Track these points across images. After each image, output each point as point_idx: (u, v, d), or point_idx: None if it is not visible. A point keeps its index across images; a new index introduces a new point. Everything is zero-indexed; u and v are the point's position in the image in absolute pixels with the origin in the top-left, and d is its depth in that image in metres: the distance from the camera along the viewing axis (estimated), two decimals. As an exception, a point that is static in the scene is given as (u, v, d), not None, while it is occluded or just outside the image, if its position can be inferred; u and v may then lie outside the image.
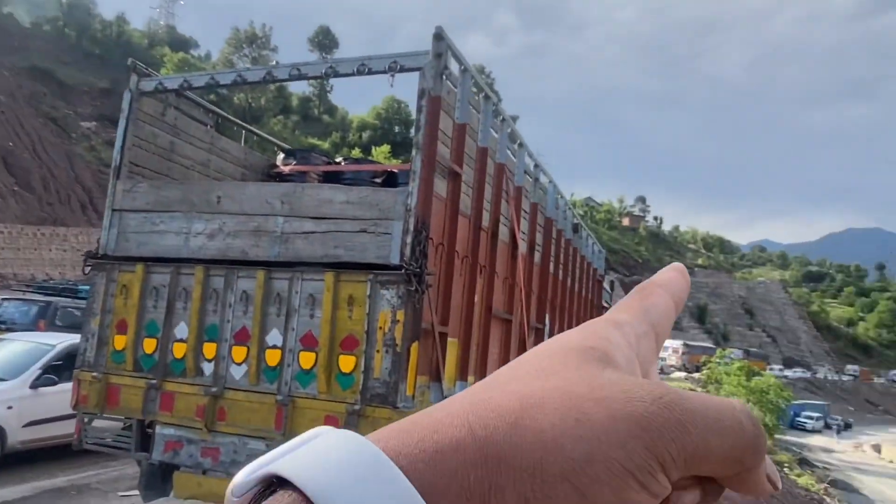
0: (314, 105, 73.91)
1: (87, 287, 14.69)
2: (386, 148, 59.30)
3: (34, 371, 7.90)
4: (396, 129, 73.95)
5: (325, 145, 60.38)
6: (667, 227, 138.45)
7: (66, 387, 7.90)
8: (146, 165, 5.13)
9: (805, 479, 17.40)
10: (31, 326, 11.86)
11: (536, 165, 6.57)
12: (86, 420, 4.63)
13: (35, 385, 7.83)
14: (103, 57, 53.91)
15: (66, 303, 12.91)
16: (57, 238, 31.53)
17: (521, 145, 6.01)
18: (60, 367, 8.20)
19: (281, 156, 6.79)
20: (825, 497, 15.65)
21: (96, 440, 4.64)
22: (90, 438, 4.64)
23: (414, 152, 4.10)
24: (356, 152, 55.02)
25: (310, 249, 4.20)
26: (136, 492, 6.94)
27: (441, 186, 4.31)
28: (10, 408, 7.56)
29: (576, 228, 8.51)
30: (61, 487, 7.11)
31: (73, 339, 8.95)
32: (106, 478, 7.61)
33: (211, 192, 4.55)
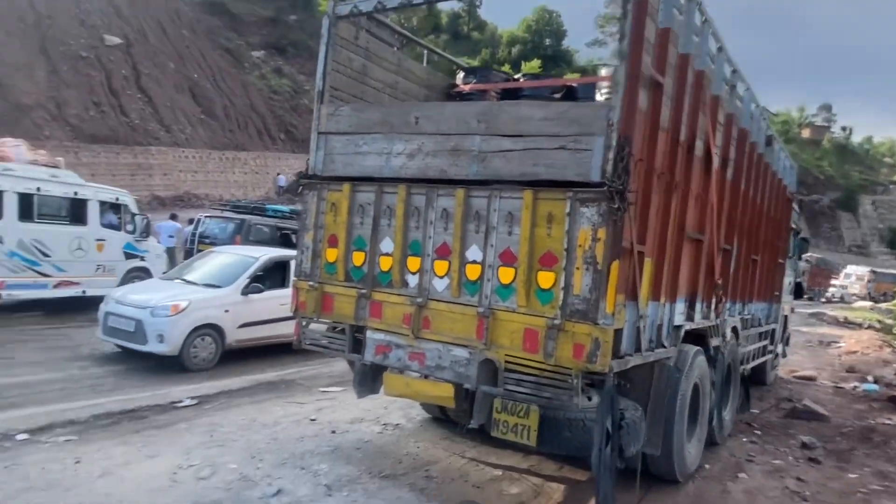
0: (463, 22, 72.66)
1: (273, 206, 16.23)
2: (536, 63, 57.21)
3: (244, 280, 8.94)
4: (547, 41, 70.93)
5: (475, 63, 59.55)
6: (857, 139, 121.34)
7: (270, 294, 8.96)
8: (343, 89, 5.39)
9: None
10: (229, 241, 13.42)
11: (735, 71, 6.01)
12: (304, 324, 5.18)
13: (245, 292, 8.87)
14: (266, -14, 56.37)
15: (257, 220, 14.42)
16: (238, 162, 34.80)
17: (720, 49, 5.51)
18: (262, 277, 9.22)
19: (461, 75, 6.82)
20: None
21: (312, 341, 5.19)
22: (308, 340, 5.19)
23: (618, 62, 3.90)
24: (506, 69, 53.79)
25: (507, 167, 4.22)
26: (335, 388, 7.78)
27: (643, 98, 4.09)
28: (226, 311, 8.67)
29: (769, 141, 7.78)
30: (272, 381, 8.14)
31: (271, 252, 10.02)
32: (307, 375, 8.59)
33: (409, 114, 4.70)
